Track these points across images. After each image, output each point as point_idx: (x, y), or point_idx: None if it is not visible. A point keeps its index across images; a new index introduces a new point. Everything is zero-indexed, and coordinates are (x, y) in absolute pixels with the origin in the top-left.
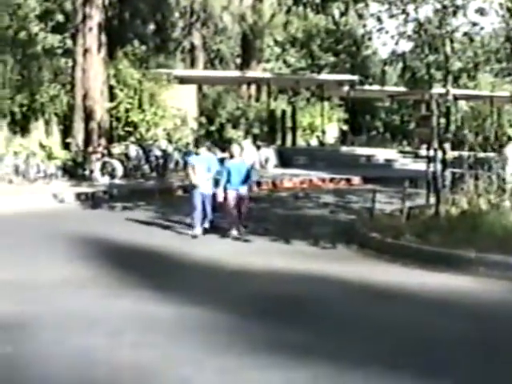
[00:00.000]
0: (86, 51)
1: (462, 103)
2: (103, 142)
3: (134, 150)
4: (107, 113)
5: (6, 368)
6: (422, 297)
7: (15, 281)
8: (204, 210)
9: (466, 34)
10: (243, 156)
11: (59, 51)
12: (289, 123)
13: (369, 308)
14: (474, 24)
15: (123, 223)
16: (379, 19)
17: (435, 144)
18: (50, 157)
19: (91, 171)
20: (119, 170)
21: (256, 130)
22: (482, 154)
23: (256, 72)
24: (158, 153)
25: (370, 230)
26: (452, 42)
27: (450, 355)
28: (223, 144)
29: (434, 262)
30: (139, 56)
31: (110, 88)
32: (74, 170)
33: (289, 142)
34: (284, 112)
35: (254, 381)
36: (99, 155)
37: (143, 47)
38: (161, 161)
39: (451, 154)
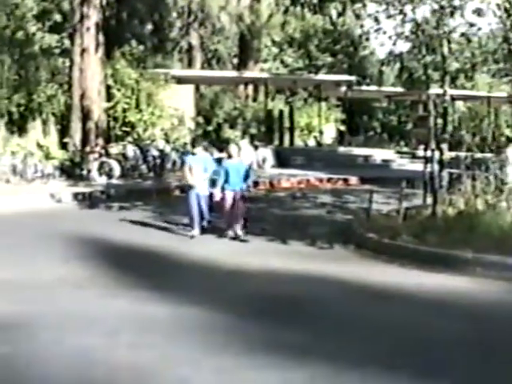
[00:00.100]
0: (83, 51)
1: (460, 104)
2: (101, 141)
3: (131, 150)
4: (104, 113)
5: (3, 368)
6: (419, 297)
7: (13, 281)
8: (200, 210)
9: (463, 34)
10: (241, 156)
11: (57, 51)
12: (286, 123)
13: (366, 308)
14: (472, 25)
15: (120, 223)
16: (377, 19)
17: (432, 144)
18: (47, 157)
19: (89, 171)
20: (117, 170)
21: (253, 130)
22: (479, 155)
23: (253, 72)
24: (156, 153)
25: (367, 230)
26: (449, 42)
27: (448, 355)
28: (220, 144)
29: (431, 263)
30: (137, 56)
31: (108, 88)
32: (71, 170)
33: (286, 142)
34: (281, 112)
35: (251, 381)
36: (97, 155)
37: (141, 47)
38: (158, 161)
39: (448, 155)
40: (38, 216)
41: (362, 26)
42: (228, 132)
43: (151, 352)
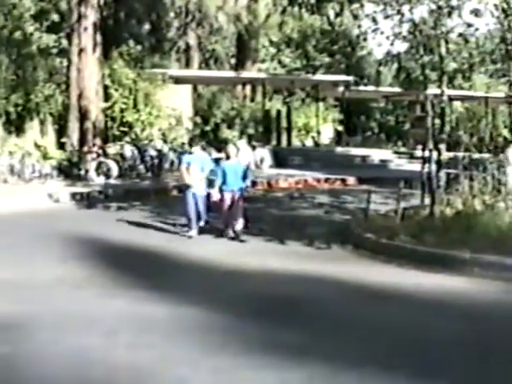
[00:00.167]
0: (81, 51)
1: (457, 104)
2: (98, 141)
3: (129, 150)
4: (102, 113)
5: (2, 368)
6: (417, 297)
7: (11, 280)
8: (197, 210)
9: (460, 34)
10: (239, 157)
11: (54, 51)
12: (284, 123)
13: (364, 308)
14: (469, 25)
15: (118, 223)
16: (374, 20)
17: (430, 145)
18: (45, 157)
19: (86, 171)
20: (114, 170)
21: (251, 130)
22: (476, 155)
23: (251, 72)
24: (153, 153)
25: (365, 230)
26: (447, 42)
27: (445, 356)
28: (218, 144)
29: (428, 263)
30: (134, 56)
31: (105, 88)
32: (69, 170)
33: (284, 143)
34: (279, 112)
35: (249, 381)
36: (94, 155)
37: (138, 47)
38: (156, 161)
39: (446, 155)
40: (36, 216)
41: (359, 26)
42: (226, 132)
43: (149, 352)
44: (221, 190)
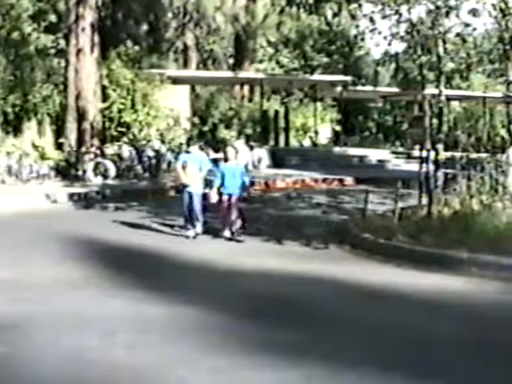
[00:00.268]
0: (78, 51)
1: (455, 104)
2: (96, 142)
3: (126, 151)
4: (100, 113)
5: None
6: (415, 297)
7: (8, 281)
8: (193, 209)
9: (458, 34)
10: (238, 159)
11: (52, 51)
12: (282, 124)
13: (362, 308)
14: (467, 25)
15: (116, 224)
16: (372, 20)
17: (428, 144)
18: (42, 157)
19: (84, 171)
20: (112, 171)
21: (249, 131)
22: (474, 155)
23: (249, 72)
24: (151, 153)
25: (363, 230)
26: (445, 42)
27: (443, 356)
28: (216, 144)
29: (426, 263)
30: (132, 56)
31: (103, 88)
32: (66, 171)
33: (282, 143)
34: (277, 112)
35: (248, 381)
36: (92, 155)
37: (136, 47)
38: (154, 161)
39: (444, 155)
40: (34, 216)
41: (357, 27)
42: (223, 132)
43: (148, 352)
44: (219, 192)
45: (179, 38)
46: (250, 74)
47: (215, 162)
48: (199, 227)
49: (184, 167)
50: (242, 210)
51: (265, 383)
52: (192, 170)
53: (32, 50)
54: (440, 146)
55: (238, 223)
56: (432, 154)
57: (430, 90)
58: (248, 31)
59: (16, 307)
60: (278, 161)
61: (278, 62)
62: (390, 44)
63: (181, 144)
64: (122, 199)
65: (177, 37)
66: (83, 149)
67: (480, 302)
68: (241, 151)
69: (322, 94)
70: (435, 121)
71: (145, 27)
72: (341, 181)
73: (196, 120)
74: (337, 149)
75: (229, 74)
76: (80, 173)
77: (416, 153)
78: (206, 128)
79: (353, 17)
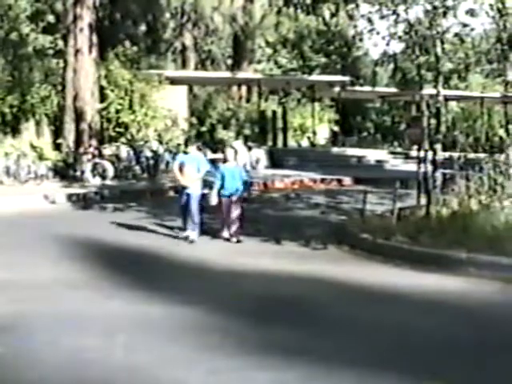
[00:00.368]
0: (76, 52)
1: (453, 104)
2: (94, 142)
3: (124, 151)
4: (98, 114)
5: None
6: (414, 297)
7: (7, 281)
8: (190, 211)
9: (456, 34)
10: (237, 160)
11: (50, 52)
12: (280, 124)
13: (360, 308)
14: (465, 25)
15: (114, 224)
16: (370, 20)
17: (426, 145)
18: (41, 158)
19: (82, 172)
20: (110, 171)
21: (247, 131)
22: (472, 155)
23: (247, 73)
24: (149, 154)
25: (361, 230)
26: (443, 42)
27: (442, 356)
28: (214, 145)
29: (425, 263)
30: (130, 57)
31: (101, 89)
32: (64, 171)
33: (280, 143)
34: (275, 113)
35: (247, 381)
36: (90, 156)
37: (134, 48)
38: (152, 162)
39: (442, 155)
40: (32, 217)
41: (355, 27)
42: (221, 133)
43: (146, 352)
44: (219, 194)
45: (177, 39)
46: (248, 75)
47: (213, 162)
48: (195, 232)
49: (181, 168)
50: (243, 209)
51: (264, 383)
52: (190, 170)
53: (30, 51)
54: (438, 146)
55: (237, 224)
56: (430, 154)
57: (428, 90)
58: (246, 31)
59: (15, 307)
60: (276, 161)
61: (276, 63)
62: (388, 44)
63: (179, 144)
64: (121, 200)
65: (175, 37)
66: (81, 149)
67: (478, 302)
68: (239, 152)
69: (320, 95)
70: (433, 121)
71: (143, 28)
72: (339, 181)
73: (194, 120)
74: (335, 149)
75: (227, 74)
76: (78, 173)
77: (414, 153)
78: (203, 128)
79: (351, 17)
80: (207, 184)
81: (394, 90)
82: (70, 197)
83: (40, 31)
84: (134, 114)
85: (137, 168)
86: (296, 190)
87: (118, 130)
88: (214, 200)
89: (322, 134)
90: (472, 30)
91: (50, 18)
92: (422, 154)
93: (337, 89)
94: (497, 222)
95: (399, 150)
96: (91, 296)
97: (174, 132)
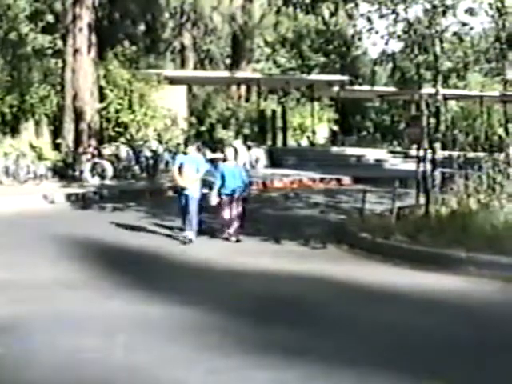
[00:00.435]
0: (75, 52)
1: (452, 103)
2: (93, 142)
3: (124, 151)
4: (97, 113)
5: None
6: (413, 297)
7: (6, 281)
8: (187, 211)
9: (455, 33)
10: (237, 159)
11: (49, 52)
12: (279, 123)
13: (360, 308)
14: (464, 24)
15: (113, 224)
16: (369, 19)
17: (425, 144)
18: (40, 157)
19: (81, 172)
20: (109, 171)
21: (246, 131)
22: (471, 154)
23: (246, 72)
24: (149, 153)
25: (361, 230)
26: (442, 41)
27: (441, 355)
28: (213, 144)
29: (424, 262)
30: (129, 56)
31: (100, 88)
32: (64, 171)
33: (279, 143)
34: (274, 112)
35: (246, 381)
36: (89, 156)
37: (133, 48)
38: (151, 161)
39: (441, 154)
40: (31, 217)
41: (354, 26)
42: (221, 132)
43: (146, 352)
44: (219, 194)
45: (176, 38)
46: (247, 74)
47: (212, 162)
48: (192, 233)
49: (180, 169)
50: (245, 209)
51: (263, 383)
52: (189, 171)
53: (29, 51)
54: (437, 146)
55: (237, 223)
56: (429, 154)
57: (428, 89)
58: (245, 31)
59: (14, 308)
60: (275, 161)
61: (275, 62)
62: (387, 43)
63: (178, 144)
64: (120, 199)
65: (174, 37)
66: (80, 149)
67: (478, 301)
68: (239, 151)
69: (319, 94)
70: (432, 120)
71: (142, 27)
72: (338, 180)
73: (193, 120)
74: (334, 148)
75: (226, 74)
76: (77, 173)
77: (413, 152)
78: (203, 128)
79: (350, 16)
80: (207, 184)
81: (393, 89)
82: (69, 197)
83: (39, 31)
84: (134, 114)
85: (136, 168)
86: (295, 190)
87: (117, 129)
88: (214, 200)
89: (322, 134)
90: (471, 28)
91: (49, 18)
92: (421, 153)
93: (336, 88)
94: (496, 221)
95: (398, 149)
96: (90, 296)
97: (174, 132)
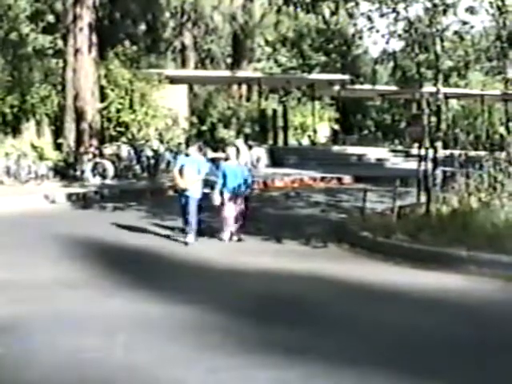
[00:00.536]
0: (76, 51)
1: (453, 102)
2: (94, 142)
3: (125, 151)
4: (98, 113)
5: None
6: (414, 296)
7: (7, 281)
8: (189, 214)
9: (456, 32)
10: (239, 158)
11: (50, 52)
12: (280, 123)
13: (361, 307)
14: (465, 23)
15: (114, 224)
16: (370, 18)
17: (426, 143)
18: (41, 157)
19: (82, 172)
20: (110, 171)
21: (247, 130)
22: (472, 153)
23: (247, 72)
24: (150, 153)
25: (362, 229)
26: (442, 40)
27: (442, 354)
28: (215, 144)
29: (425, 261)
30: (130, 56)
31: (101, 88)
32: (65, 171)
33: (280, 142)
34: (275, 111)
35: (248, 380)
36: (90, 156)
37: (134, 47)
38: (152, 161)
39: (442, 153)
40: (33, 217)
41: (355, 25)
42: (222, 132)
43: (146, 352)
44: (221, 194)
45: (177, 38)
46: (248, 73)
47: (214, 161)
48: (192, 234)
49: (181, 171)
50: (247, 207)
51: (265, 382)
52: (190, 173)
53: (30, 51)
54: (438, 144)
55: (239, 222)
56: (430, 152)
57: (428, 88)
58: (246, 30)
59: (15, 308)
60: (276, 160)
61: (276, 61)
62: (387, 42)
63: (179, 144)
64: (121, 199)
65: (175, 36)
66: (82, 149)
67: (479, 300)
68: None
69: (320, 93)
70: (434, 119)
71: (143, 27)
72: (339, 179)
73: (194, 120)
74: (335, 147)
75: (227, 73)
76: (78, 173)
77: (414, 151)
78: (204, 127)
79: (350, 15)
80: (208, 183)
81: (394, 88)
82: (70, 196)
83: (40, 31)
84: (135, 114)
85: (137, 167)
86: (296, 189)
87: (118, 129)
88: (216, 200)
89: (323, 133)
90: (472, 27)
91: (50, 18)
92: (422, 151)
93: (337, 87)
94: (497, 219)
95: (400, 148)
96: (91, 295)
97: (175, 131)
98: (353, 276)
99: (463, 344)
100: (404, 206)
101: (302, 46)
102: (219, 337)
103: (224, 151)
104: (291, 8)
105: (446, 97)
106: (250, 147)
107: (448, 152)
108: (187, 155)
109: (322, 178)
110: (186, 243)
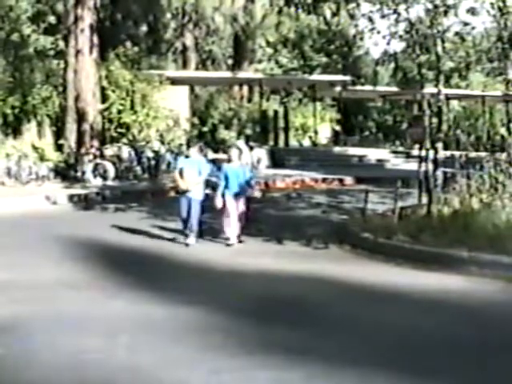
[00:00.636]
0: (77, 53)
1: (454, 103)
2: (95, 143)
3: (126, 152)
4: (99, 114)
5: None
6: (415, 297)
7: (8, 282)
8: (190, 216)
9: (457, 33)
10: (242, 159)
11: (51, 53)
12: (281, 124)
13: (362, 308)
14: (466, 24)
15: (116, 225)
16: (371, 19)
17: (427, 144)
18: (42, 158)
19: (83, 173)
20: (111, 172)
21: (248, 131)
22: (473, 154)
23: (248, 73)
24: (151, 154)
25: (363, 230)
26: (443, 41)
27: (443, 355)
28: (216, 145)
29: (426, 262)
30: (131, 57)
31: (102, 89)
32: (66, 172)
33: (281, 143)
34: (276, 112)
35: (249, 381)
36: (91, 157)
37: (135, 48)
38: (153, 162)
39: (443, 154)
40: (34, 218)
41: (356, 26)
42: (223, 133)
43: (149, 353)
44: (223, 195)
45: (178, 39)
46: (249, 75)
47: (214, 162)
48: (192, 236)
49: (181, 173)
50: (249, 208)
51: (266, 383)
52: (191, 174)
53: (31, 52)
54: (439, 145)
55: (241, 224)
56: (431, 153)
57: (429, 89)
58: (247, 31)
59: (16, 308)
60: (277, 161)
61: (277, 62)
62: (388, 43)
63: (180, 145)
64: (122, 200)
65: (176, 37)
66: (83, 150)
67: (480, 301)
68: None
69: (321, 94)
70: (435, 120)
71: (144, 28)
72: (340, 180)
73: (195, 121)
74: (336, 148)
75: (228, 74)
76: (79, 174)
77: (416, 152)
78: (205, 129)
79: (351, 16)
80: (210, 184)
81: (395, 89)
82: (71, 197)
83: (41, 32)
84: (136, 115)
85: (138, 168)
86: (297, 190)
87: (119, 130)
88: (219, 202)
89: (324, 134)
90: (473, 28)
91: (51, 19)
92: (423, 152)
93: (338, 88)
94: (498, 220)
95: (401, 149)
96: (93, 296)
97: (176, 132)
98: (354, 277)
99: (464, 345)
100: (405, 207)
101: (303, 47)
102: (221, 338)
103: (225, 152)
104: (292, 9)
105: (447, 98)
106: (251, 148)
107: (449, 153)
108: (187, 157)
109: (324, 179)
110: (186, 244)
